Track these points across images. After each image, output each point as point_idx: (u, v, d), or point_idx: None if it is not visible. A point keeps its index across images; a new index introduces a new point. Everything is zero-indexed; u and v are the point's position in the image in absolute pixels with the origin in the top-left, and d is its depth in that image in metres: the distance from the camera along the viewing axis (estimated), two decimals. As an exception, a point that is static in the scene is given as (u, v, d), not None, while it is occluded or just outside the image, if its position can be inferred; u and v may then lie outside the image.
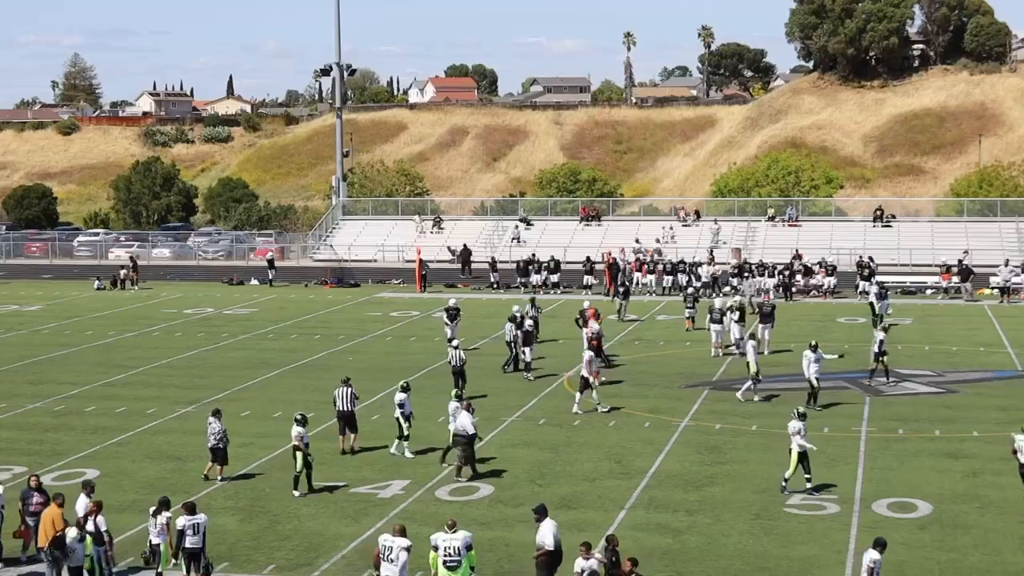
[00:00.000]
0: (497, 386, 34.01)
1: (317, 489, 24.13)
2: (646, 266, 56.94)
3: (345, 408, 27.14)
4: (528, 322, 37.16)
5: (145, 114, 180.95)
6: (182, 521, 19.01)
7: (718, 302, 40.99)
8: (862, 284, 52.03)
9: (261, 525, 22.06)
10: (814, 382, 30.57)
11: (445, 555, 17.72)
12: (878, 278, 50.73)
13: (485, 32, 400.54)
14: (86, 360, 39.93)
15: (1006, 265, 52.74)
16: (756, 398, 31.84)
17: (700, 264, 56.25)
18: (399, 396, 26.69)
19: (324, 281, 62.27)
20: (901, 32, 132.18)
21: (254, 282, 63.55)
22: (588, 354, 31.10)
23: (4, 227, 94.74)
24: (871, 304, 45.05)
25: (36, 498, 19.74)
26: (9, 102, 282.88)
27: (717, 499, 23.32)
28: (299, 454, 23.84)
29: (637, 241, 65.77)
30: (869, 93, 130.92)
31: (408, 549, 17.63)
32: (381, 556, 17.73)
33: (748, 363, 31.91)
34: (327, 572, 19.89)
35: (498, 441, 28.08)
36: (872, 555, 17.14)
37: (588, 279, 56.13)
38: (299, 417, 24.24)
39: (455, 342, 34.27)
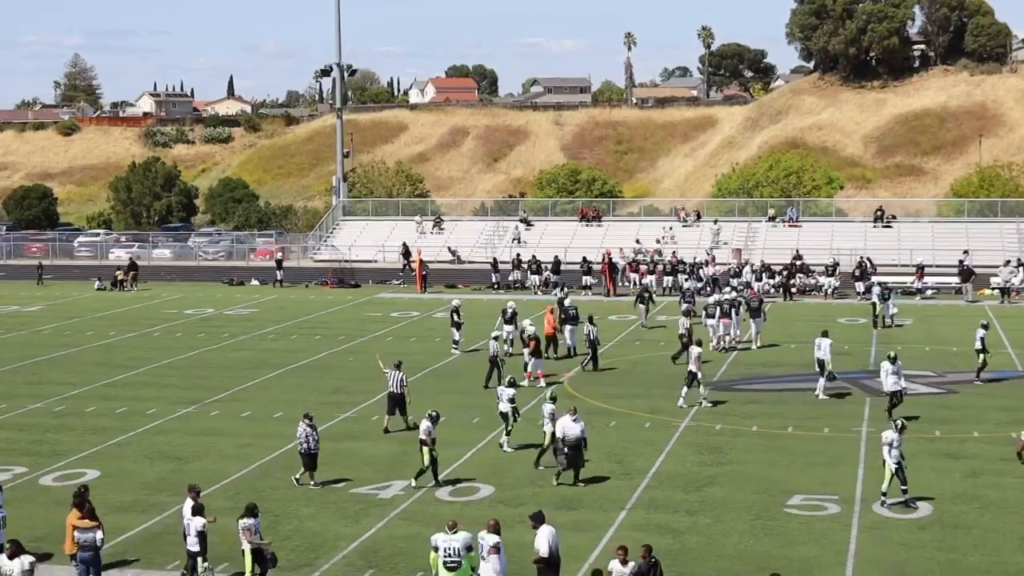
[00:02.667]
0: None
1: (317, 489, 24.18)
2: (645, 267, 56.94)
3: (396, 390, 28.63)
4: (527, 322, 37.43)
5: (145, 115, 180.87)
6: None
7: (712, 298, 41.36)
8: (857, 284, 52.38)
9: (261, 525, 22.03)
10: (891, 392, 29.40)
11: (445, 556, 17.71)
12: (877, 278, 50.65)
13: (485, 32, 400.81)
14: (86, 360, 39.93)
15: (1006, 265, 52.74)
16: (822, 395, 32.09)
17: (701, 265, 56.22)
18: (509, 391, 27.28)
19: (324, 282, 62.30)
20: (901, 32, 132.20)
21: (254, 283, 63.59)
22: (696, 350, 31.16)
23: (4, 228, 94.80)
24: (873, 304, 45.07)
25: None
26: (10, 102, 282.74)
27: (717, 500, 23.32)
28: (425, 449, 23.98)
29: (637, 242, 65.80)
30: (870, 93, 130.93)
31: (497, 547, 17.59)
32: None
33: (821, 360, 32.07)
34: (327, 572, 19.89)
35: (498, 441, 28.06)
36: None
37: (587, 279, 56.12)
38: (432, 414, 24.42)
39: (494, 333, 35.42)
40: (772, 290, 53.11)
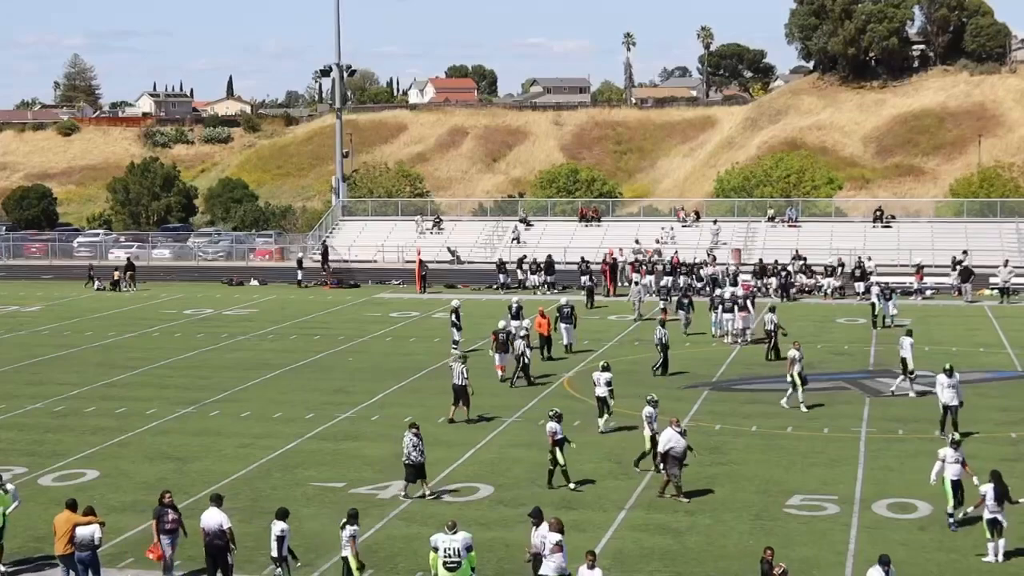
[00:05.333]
0: (497, 386, 34.02)
1: (316, 489, 24.16)
2: (644, 267, 56.94)
3: (459, 382, 29.39)
4: (527, 321, 37.64)
5: (145, 115, 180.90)
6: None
7: (727, 292, 41.89)
8: (857, 284, 52.50)
9: (261, 525, 22.02)
10: (944, 406, 27.57)
11: (445, 556, 17.71)
12: (876, 278, 50.65)
13: (485, 32, 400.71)
14: (86, 361, 39.91)
15: (1005, 265, 52.76)
16: (911, 394, 32.09)
17: (701, 265, 56.30)
18: (606, 375, 28.36)
19: (324, 282, 62.27)
20: (901, 33, 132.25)
21: (254, 283, 63.62)
22: (793, 352, 30.92)
23: (4, 228, 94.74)
24: (872, 304, 45.09)
25: (171, 515, 19.38)
26: (9, 102, 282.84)
27: (717, 500, 23.32)
28: (557, 449, 23.89)
29: (637, 242, 65.79)
30: (869, 94, 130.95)
31: (560, 545, 17.66)
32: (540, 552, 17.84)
33: (904, 359, 32.09)
34: (327, 572, 19.88)
35: (498, 442, 28.10)
36: (875, 572, 16.70)
37: (584, 279, 56.05)
38: (552, 413, 24.30)
39: (521, 332, 35.50)
40: (779, 289, 53.17)
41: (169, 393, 34.09)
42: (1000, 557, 19.77)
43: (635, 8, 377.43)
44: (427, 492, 23.63)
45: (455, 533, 17.82)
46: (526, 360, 34.34)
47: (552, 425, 23.96)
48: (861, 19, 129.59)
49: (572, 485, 23.99)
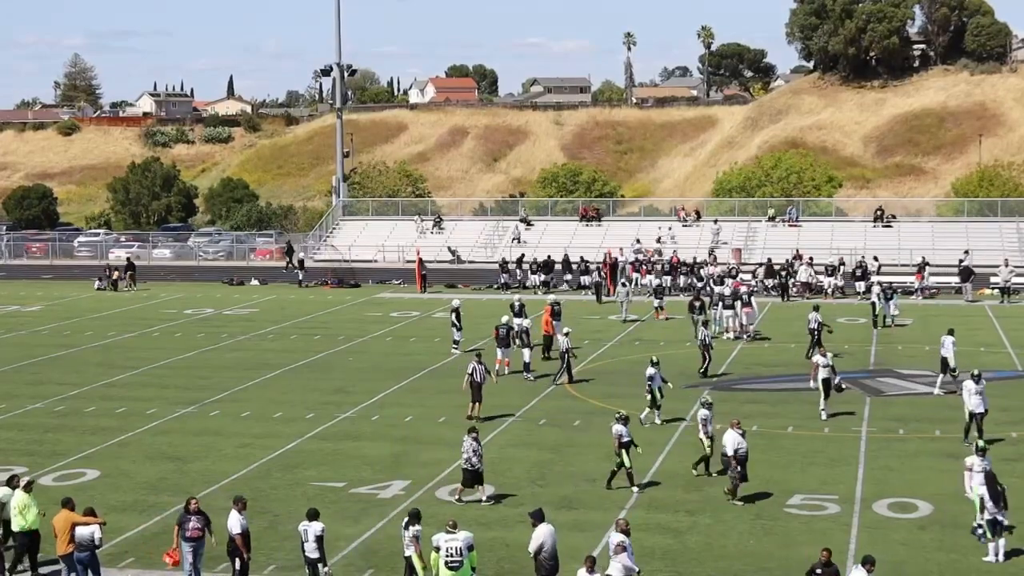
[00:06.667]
0: (497, 386, 33.99)
1: (316, 489, 24.14)
2: (645, 266, 57.00)
3: (478, 379, 29.73)
4: (527, 321, 37.68)
5: (145, 114, 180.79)
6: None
7: (728, 290, 42.10)
8: (858, 284, 52.49)
9: (261, 525, 22.02)
10: (970, 413, 27.04)
11: (447, 555, 17.73)
12: (877, 278, 50.64)
13: (485, 32, 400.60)
14: (86, 361, 39.91)
15: (1006, 265, 52.74)
16: (942, 391, 32.26)
17: (702, 265, 56.34)
18: (650, 371, 29.29)
19: (324, 282, 62.26)
20: (901, 32, 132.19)
21: (254, 282, 63.61)
22: (820, 359, 30.62)
23: (4, 227, 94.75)
24: (872, 304, 45.08)
25: (193, 523, 19.19)
26: (9, 102, 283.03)
27: (717, 499, 23.30)
28: (623, 452, 23.84)
29: (638, 241, 65.77)
30: (869, 93, 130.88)
31: (622, 546, 17.75)
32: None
33: (944, 358, 32.28)
34: (326, 572, 19.84)
35: (498, 441, 28.09)
36: (857, 573, 16.61)
37: (584, 279, 56.14)
38: (619, 415, 24.24)
39: (565, 329, 36.02)
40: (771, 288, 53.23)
41: (169, 393, 34.08)
42: (1000, 557, 19.79)
43: (635, 8, 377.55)
44: (484, 497, 23.38)
45: (457, 532, 17.83)
46: (570, 356, 34.53)
47: (618, 427, 23.88)
48: (861, 19, 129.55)
49: (636, 489, 23.84)
